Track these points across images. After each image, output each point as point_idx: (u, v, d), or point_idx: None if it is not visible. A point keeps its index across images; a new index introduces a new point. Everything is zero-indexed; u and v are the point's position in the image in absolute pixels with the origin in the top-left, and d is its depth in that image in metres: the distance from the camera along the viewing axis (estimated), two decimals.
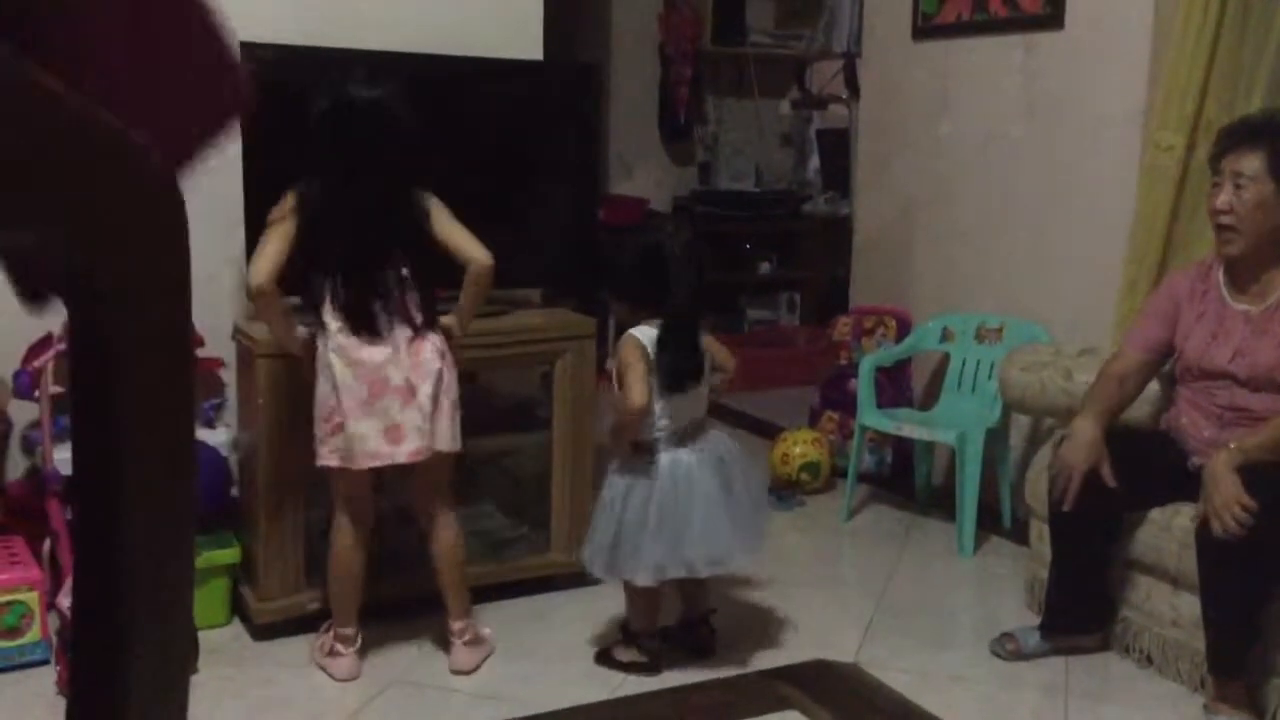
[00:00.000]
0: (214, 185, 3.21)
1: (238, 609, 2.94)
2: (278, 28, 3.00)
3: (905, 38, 4.14)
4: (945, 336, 3.94)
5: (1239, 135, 2.64)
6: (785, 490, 4.05)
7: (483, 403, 3.09)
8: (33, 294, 0.59)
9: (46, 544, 2.73)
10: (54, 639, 2.65)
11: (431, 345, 2.60)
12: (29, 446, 2.98)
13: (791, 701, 2.65)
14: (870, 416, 3.82)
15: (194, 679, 2.61)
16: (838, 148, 6.10)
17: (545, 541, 3.16)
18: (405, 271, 2.58)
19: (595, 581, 2.82)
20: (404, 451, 2.57)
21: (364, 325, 2.54)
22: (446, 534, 2.73)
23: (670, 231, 2.77)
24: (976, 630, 3.04)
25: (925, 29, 4.07)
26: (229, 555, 2.87)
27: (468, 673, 2.72)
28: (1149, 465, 2.76)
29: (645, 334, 2.60)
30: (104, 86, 0.56)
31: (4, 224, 0.53)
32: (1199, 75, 3.12)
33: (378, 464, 2.58)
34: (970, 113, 3.92)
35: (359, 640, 2.71)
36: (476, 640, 2.77)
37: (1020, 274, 3.77)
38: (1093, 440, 2.70)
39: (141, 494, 0.60)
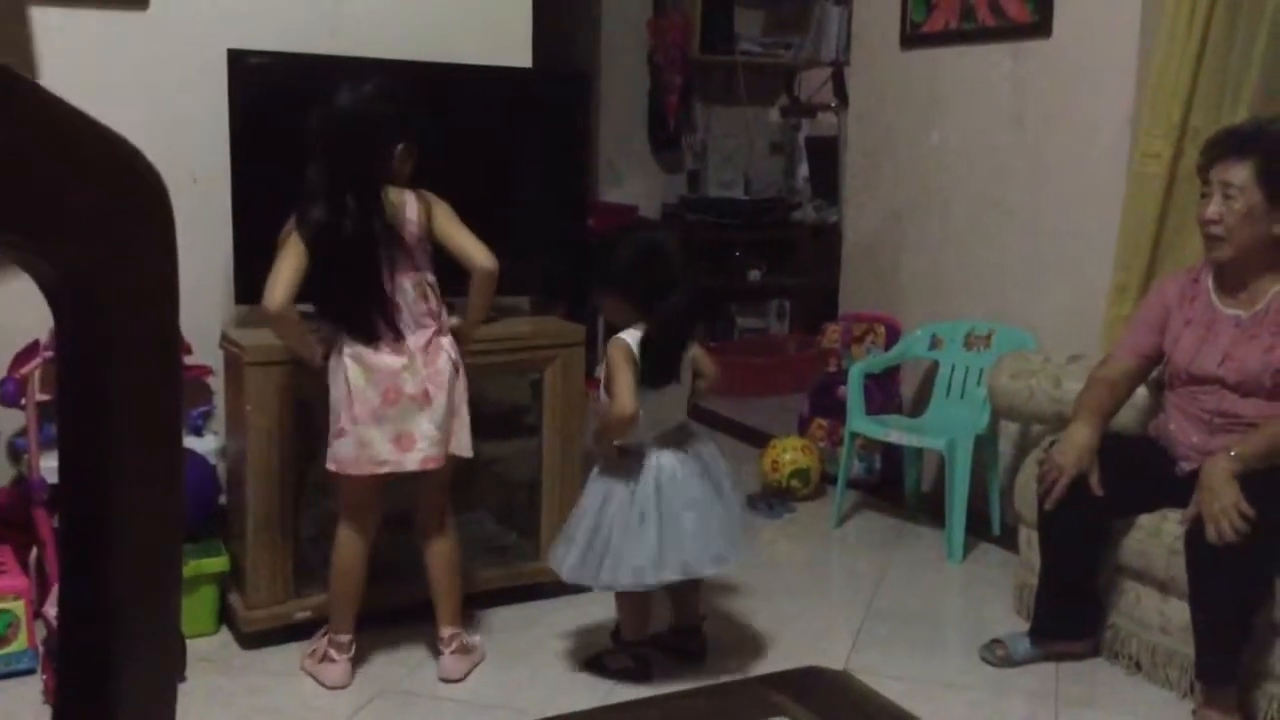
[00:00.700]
0: (202, 191, 3.22)
1: (226, 617, 2.93)
2: (267, 35, 3.00)
3: (894, 46, 4.16)
4: (934, 344, 3.95)
5: (1227, 145, 2.65)
6: (775, 497, 4.05)
7: (472, 410, 3.09)
8: None
9: (33, 552, 2.72)
10: (40, 648, 2.63)
11: (445, 353, 2.60)
12: (15, 454, 2.97)
13: (782, 708, 2.64)
14: (860, 423, 3.82)
15: (182, 687, 2.60)
16: (827, 155, 6.12)
17: (535, 548, 3.16)
18: (431, 278, 2.60)
19: (585, 589, 2.81)
20: (414, 459, 2.57)
21: (372, 333, 2.54)
22: (446, 540, 2.73)
23: (665, 232, 2.76)
24: (966, 636, 3.04)
25: (913, 37, 4.08)
26: (217, 563, 2.86)
27: (456, 681, 2.71)
28: (1137, 471, 2.77)
29: (634, 337, 2.59)
30: None
31: None
32: (1186, 83, 3.14)
33: (384, 471, 2.58)
34: (958, 121, 3.93)
35: (353, 648, 2.71)
36: (465, 649, 2.77)
37: (1009, 281, 3.78)
38: (1086, 444, 2.71)
39: (128, 502, 0.60)
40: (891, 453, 4.09)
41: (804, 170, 6.32)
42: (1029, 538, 3.04)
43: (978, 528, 3.66)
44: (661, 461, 2.60)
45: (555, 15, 4.07)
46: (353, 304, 2.55)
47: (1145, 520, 2.77)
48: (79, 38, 2.90)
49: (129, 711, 0.62)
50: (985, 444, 3.65)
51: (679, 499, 2.58)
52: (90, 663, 0.61)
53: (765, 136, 6.57)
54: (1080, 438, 2.72)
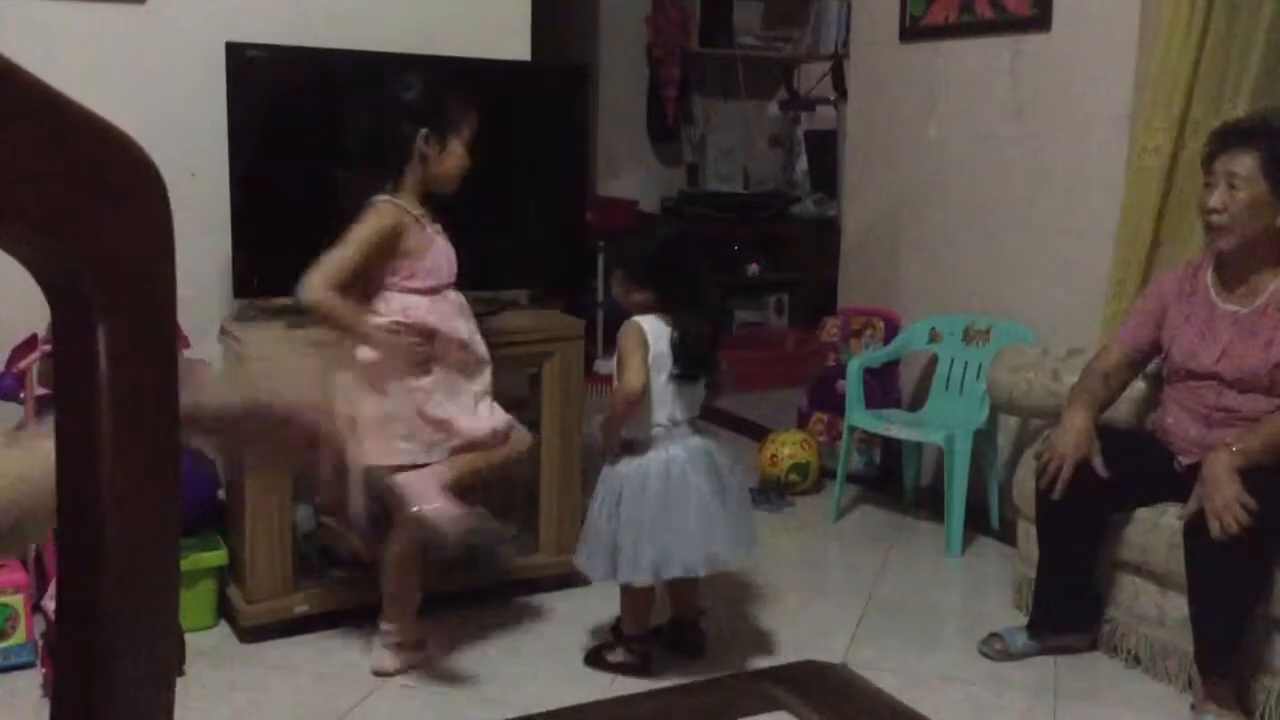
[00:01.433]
0: (201, 183, 3.21)
1: (225, 611, 2.93)
2: (266, 28, 2.99)
3: (893, 39, 4.15)
4: (933, 338, 3.95)
5: (1232, 136, 2.65)
6: (774, 491, 4.06)
7: None
8: None
9: (31, 546, 2.71)
10: (39, 641, 2.64)
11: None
12: None
13: (781, 702, 2.65)
14: (858, 417, 3.82)
15: (180, 681, 2.60)
16: (825, 149, 6.11)
17: (534, 543, 3.16)
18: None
19: (584, 582, 2.82)
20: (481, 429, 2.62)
21: None
22: (396, 541, 2.73)
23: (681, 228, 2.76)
24: (965, 630, 3.04)
25: (913, 31, 4.08)
26: (216, 557, 2.86)
27: (386, 674, 2.70)
28: (1136, 465, 2.76)
29: (649, 323, 2.58)
30: None
31: None
32: (1185, 76, 3.13)
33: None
34: (958, 114, 3.93)
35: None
36: (398, 646, 2.73)
37: (1008, 275, 3.78)
38: (1084, 429, 2.71)
39: (126, 496, 0.59)
40: (890, 447, 4.09)
41: (803, 164, 6.31)
42: (1027, 532, 3.04)
43: (976, 522, 3.67)
44: (671, 456, 2.60)
45: (554, 8, 4.06)
46: None
47: (1144, 514, 2.77)
48: (77, 31, 2.90)
49: (128, 706, 0.62)
50: (984, 438, 3.65)
51: (685, 495, 2.58)
52: (89, 657, 0.61)
53: (764, 130, 6.56)
54: (1078, 422, 2.72)
